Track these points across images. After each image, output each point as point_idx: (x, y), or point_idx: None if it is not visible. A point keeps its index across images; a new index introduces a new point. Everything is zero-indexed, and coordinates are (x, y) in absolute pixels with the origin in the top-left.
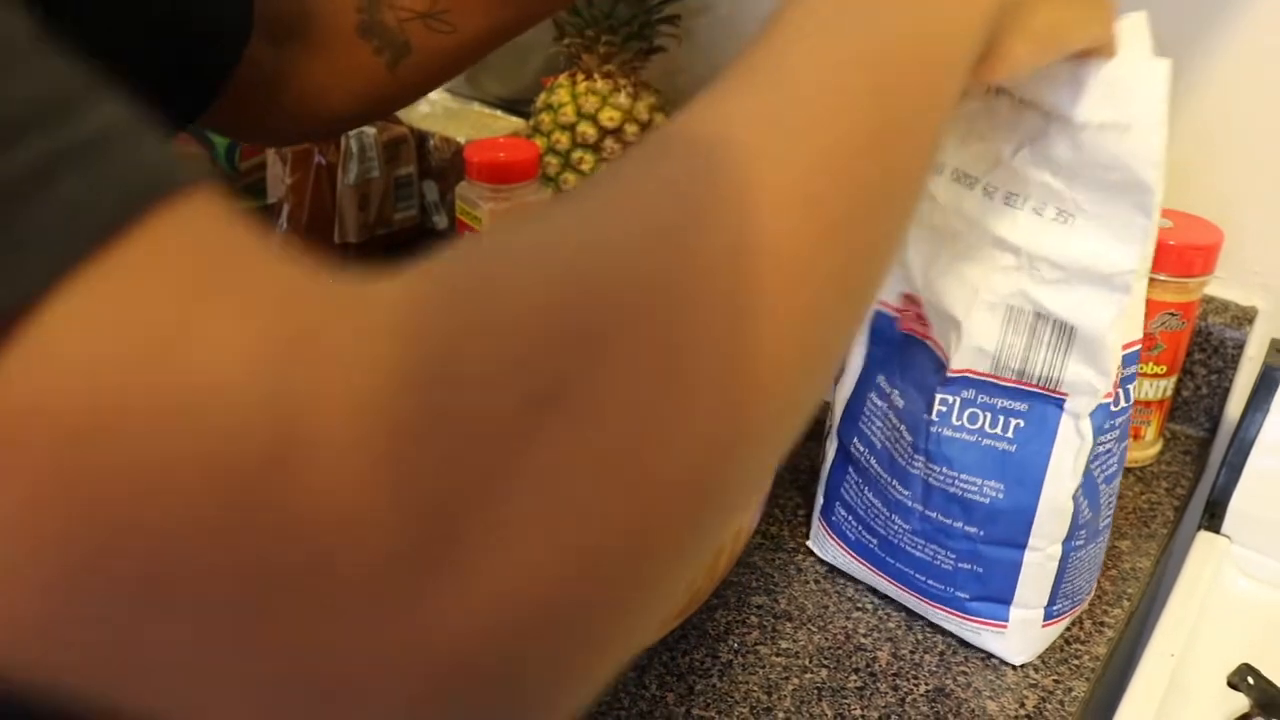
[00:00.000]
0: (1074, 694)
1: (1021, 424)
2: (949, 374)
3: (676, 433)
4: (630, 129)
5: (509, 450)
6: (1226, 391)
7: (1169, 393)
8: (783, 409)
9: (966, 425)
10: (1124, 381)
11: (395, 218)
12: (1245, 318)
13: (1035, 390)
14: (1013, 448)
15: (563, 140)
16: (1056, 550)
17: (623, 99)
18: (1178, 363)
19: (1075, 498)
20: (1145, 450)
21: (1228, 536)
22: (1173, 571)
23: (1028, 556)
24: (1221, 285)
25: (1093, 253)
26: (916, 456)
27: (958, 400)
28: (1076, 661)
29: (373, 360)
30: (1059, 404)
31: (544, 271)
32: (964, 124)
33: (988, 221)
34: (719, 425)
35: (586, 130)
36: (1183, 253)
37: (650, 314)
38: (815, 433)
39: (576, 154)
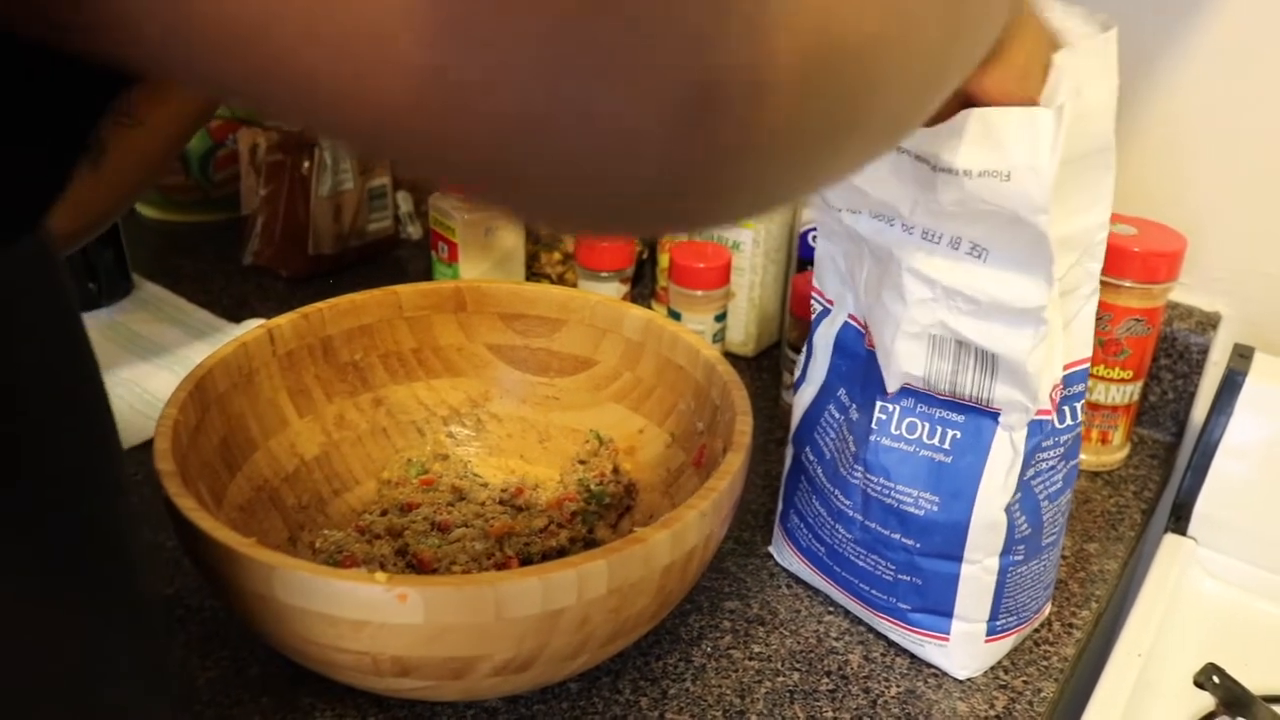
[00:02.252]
0: (1043, 695)
1: (958, 435)
2: (888, 393)
3: None
4: None
5: None
6: (1192, 396)
7: (1135, 397)
8: None
9: (905, 435)
10: (1070, 400)
11: (369, 229)
12: (1209, 323)
13: (970, 404)
14: (949, 459)
15: None
16: (994, 564)
17: None
18: (1144, 368)
19: (1010, 511)
20: (1113, 454)
21: (1193, 538)
22: (1140, 573)
23: (964, 570)
24: (1185, 291)
25: (1004, 289)
26: (856, 466)
27: (897, 409)
28: (1045, 663)
29: None
30: (994, 417)
31: None
32: (868, 178)
33: (906, 255)
34: None
35: None
36: (1147, 259)
37: None
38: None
39: None
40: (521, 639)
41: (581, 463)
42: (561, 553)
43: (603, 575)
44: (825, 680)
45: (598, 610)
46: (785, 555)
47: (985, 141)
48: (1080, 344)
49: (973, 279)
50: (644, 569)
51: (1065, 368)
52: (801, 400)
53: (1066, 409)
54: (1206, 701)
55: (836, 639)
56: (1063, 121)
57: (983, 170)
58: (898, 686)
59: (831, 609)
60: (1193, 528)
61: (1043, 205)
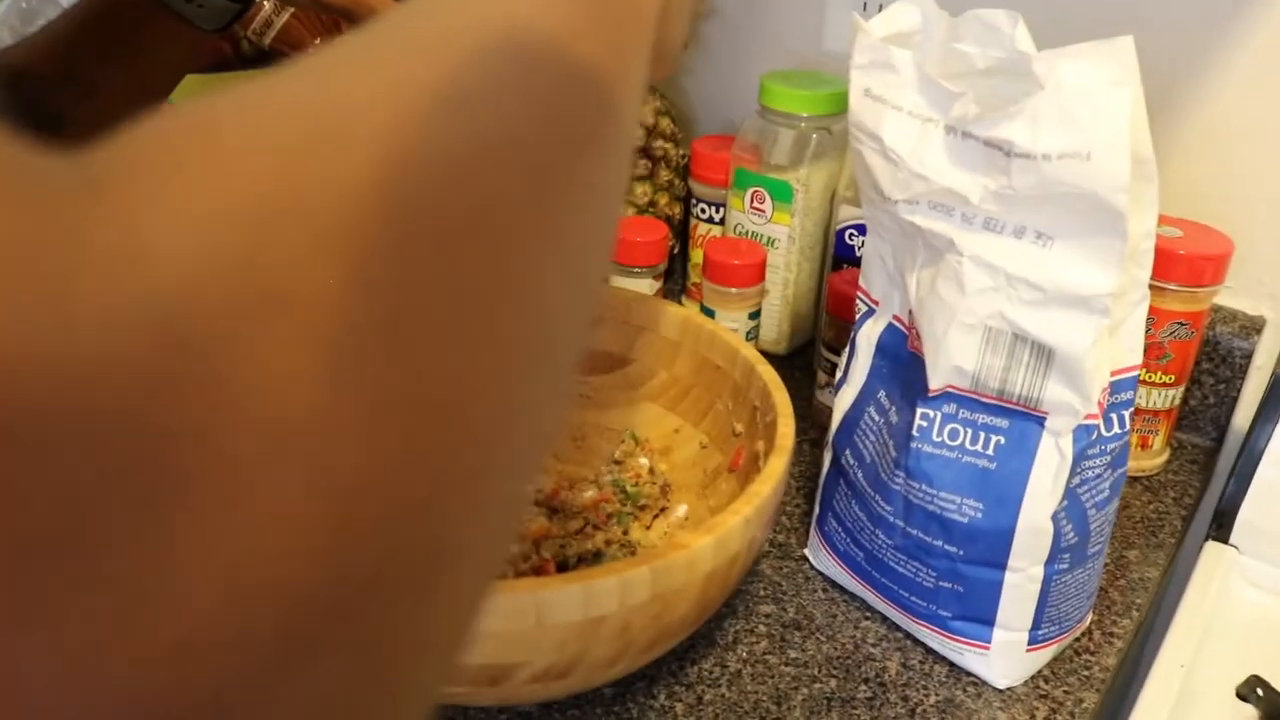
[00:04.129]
0: (1084, 705)
1: (1002, 441)
2: (930, 392)
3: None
4: (635, 133)
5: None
6: (1234, 401)
7: (1176, 402)
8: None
9: (947, 441)
10: (1117, 408)
11: None
12: (1254, 327)
13: (1016, 408)
14: (993, 465)
15: None
16: (1038, 572)
17: None
18: (1186, 372)
19: (1056, 519)
20: (1153, 460)
21: (1235, 547)
22: (1180, 582)
23: (1008, 578)
24: (1230, 295)
25: (1070, 275)
26: (897, 472)
27: (939, 415)
28: (1086, 672)
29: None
30: (1040, 421)
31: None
32: (931, 165)
33: (966, 243)
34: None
35: None
36: (1192, 262)
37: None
38: (822, 440)
39: None
40: (562, 646)
41: (616, 463)
42: (598, 555)
43: (645, 582)
44: (863, 687)
45: (639, 617)
46: (822, 559)
47: (1062, 123)
48: (1128, 351)
49: (1037, 267)
50: (687, 575)
51: (1113, 374)
52: (842, 402)
53: (1114, 416)
54: (1249, 714)
55: (874, 645)
56: (1135, 101)
57: (1063, 153)
58: (936, 695)
59: (869, 614)
60: (1235, 535)
61: (1123, 183)
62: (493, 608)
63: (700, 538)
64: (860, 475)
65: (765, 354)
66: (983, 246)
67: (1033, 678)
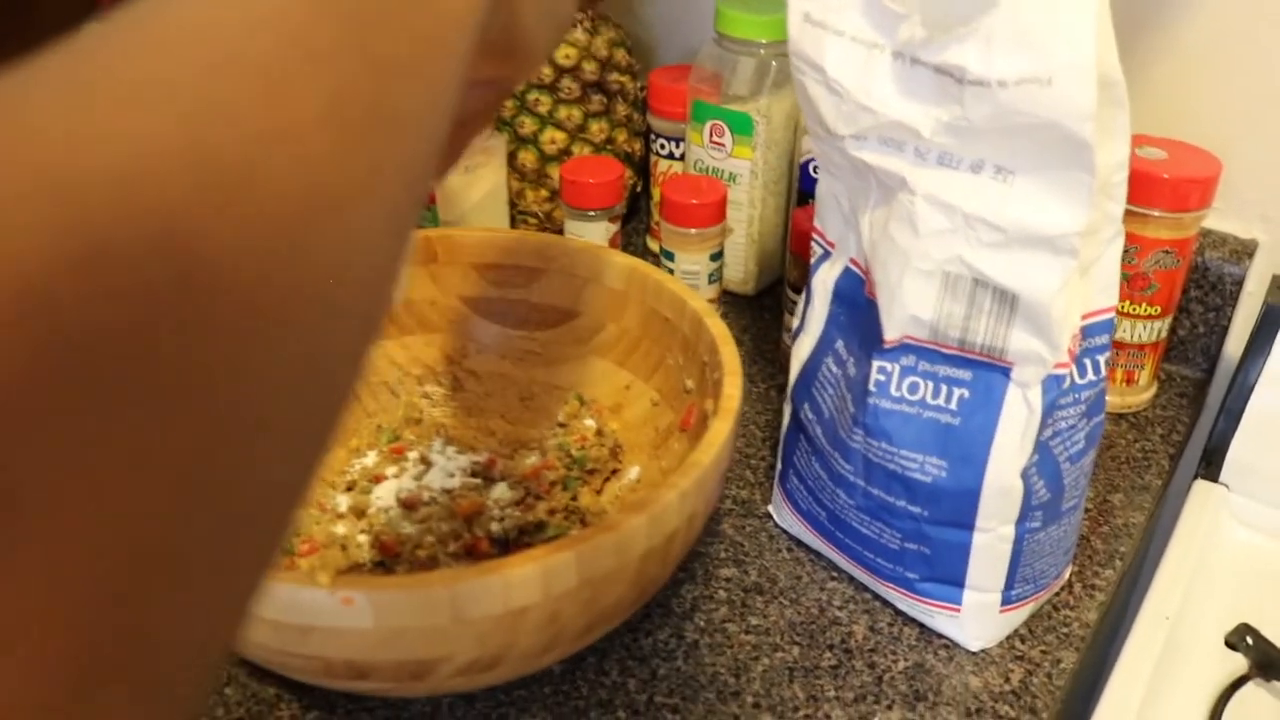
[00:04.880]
0: (1063, 665)
1: (966, 394)
2: (885, 344)
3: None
4: (589, 66)
5: None
6: (1225, 330)
7: (1163, 334)
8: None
9: (907, 396)
10: (1091, 353)
11: None
12: (1245, 251)
13: (980, 359)
14: (956, 420)
15: None
16: (1009, 531)
17: (579, 35)
18: (1173, 302)
19: (1027, 476)
20: (1139, 395)
21: (1225, 485)
22: (1167, 526)
23: (977, 539)
24: (1219, 217)
25: (1034, 213)
26: (856, 429)
27: (897, 368)
28: (1065, 629)
29: None
30: (1005, 372)
31: None
32: (878, 96)
33: (920, 181)
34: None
35: (542, 70)
36: (1178, 186)
37: None
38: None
39: (532, 95)
40: (484, 639)
41: (561, 426)
42: (540, 527)
43: (570, 569)
44: (827, 654)
45: (568, 604)
46: (785, 517)
47: (1019, 45)
48: (1101, 291)
49: (998, 204)
50: (618, 558)
51: (1084, 317)
52: (800, 352)
53: (1088, 362)
54: (1240, 664)
55: (840, 608)
56: (1105, 13)
57: (1020, 78)
58: (905, 660)
59: (835, 575)
60: (1225, 473)
61: (1089, 110)
62: (405, 602)
63: (630, 517)
64: (819, 431)
65: (733, 295)
66: (937, 184)
67: (1008, 638)
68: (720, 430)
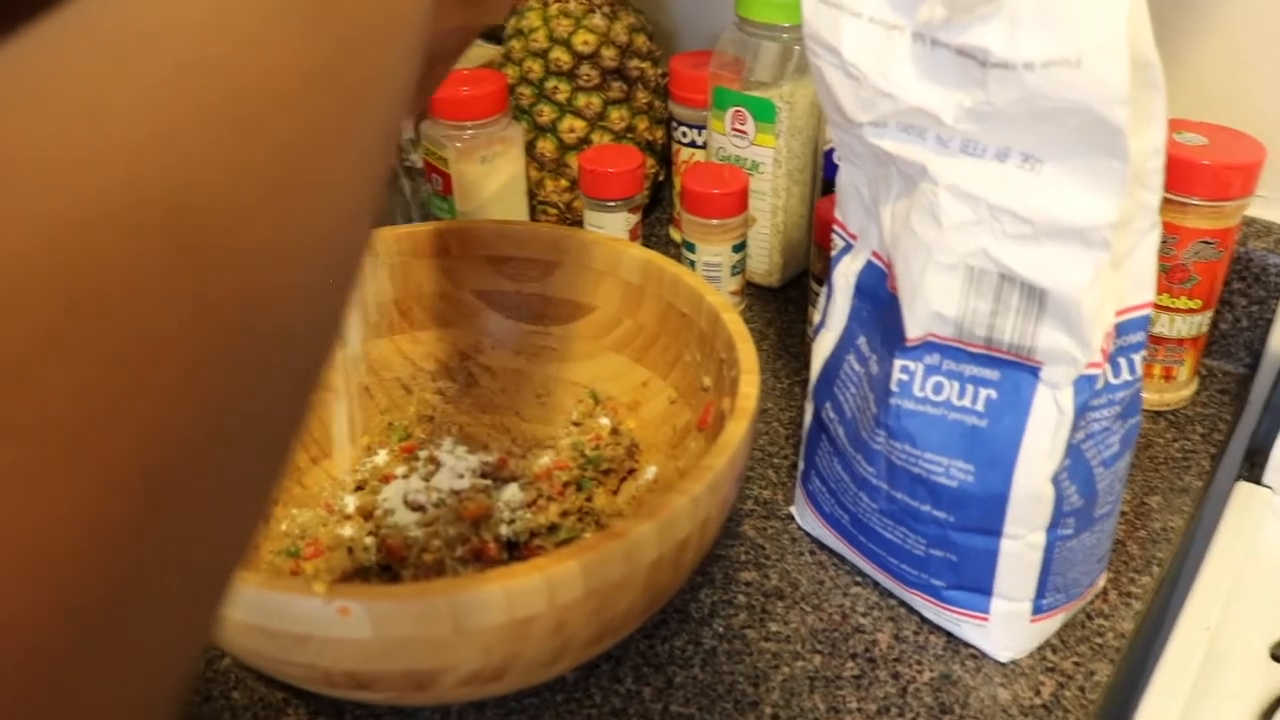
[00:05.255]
0: (1096, 678)
1: (993, 395)
2: (907, 342)
3: None
4: (608, 52)
5: None
6: (1269, 324)
7: (1204, 329)
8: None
9: (931, 397)
10: (1125, 351)
11: None
12: None
13: (1008, 358)
14: (983, 422)
15: (535, 69)
16: (1039, 539)
17: (598, 20)
18: (1214, 295)
19: (1058, 481)
20: (1178, 392)
21: (1269, 487)
22: (1208, 530)
23: (1005, 545)
24: (1263, 205)
25: (1063, 204)
26: (878, 431)
27: (920, 368)
28: (1099, 640)
29: None
30: (1035, 372)
31: None
32: (897, 80)
33: (943, 171)
34: None
35: (560, 57)
36: (1219, 173)
37: None
38: None
39: (551, 83)
40: (488, 650)
41: (575, 424)
42: (552, 529)
43: (576, 578)
44: (850, 664)
45: (575, 614)
46: (807, 519)
47: (1046, 25)
48: (1136, 286)
49: (1025, 194)
50: (626, 566)
51: (1118, 314)
52: (821, 348)
53: (1122, 361)
54: None
55: (864, 615)
56: None
57: (1048, 60)
58: (931, 671)
59: (859, 579)
60: (1269, 474)
61: (1121, 94)
62: (403, 613)
63: (639, 524)
64: (841, 432)
65: (757, 287)
66: (960, 174)
67: (1039, 649)
68: (735, 432)
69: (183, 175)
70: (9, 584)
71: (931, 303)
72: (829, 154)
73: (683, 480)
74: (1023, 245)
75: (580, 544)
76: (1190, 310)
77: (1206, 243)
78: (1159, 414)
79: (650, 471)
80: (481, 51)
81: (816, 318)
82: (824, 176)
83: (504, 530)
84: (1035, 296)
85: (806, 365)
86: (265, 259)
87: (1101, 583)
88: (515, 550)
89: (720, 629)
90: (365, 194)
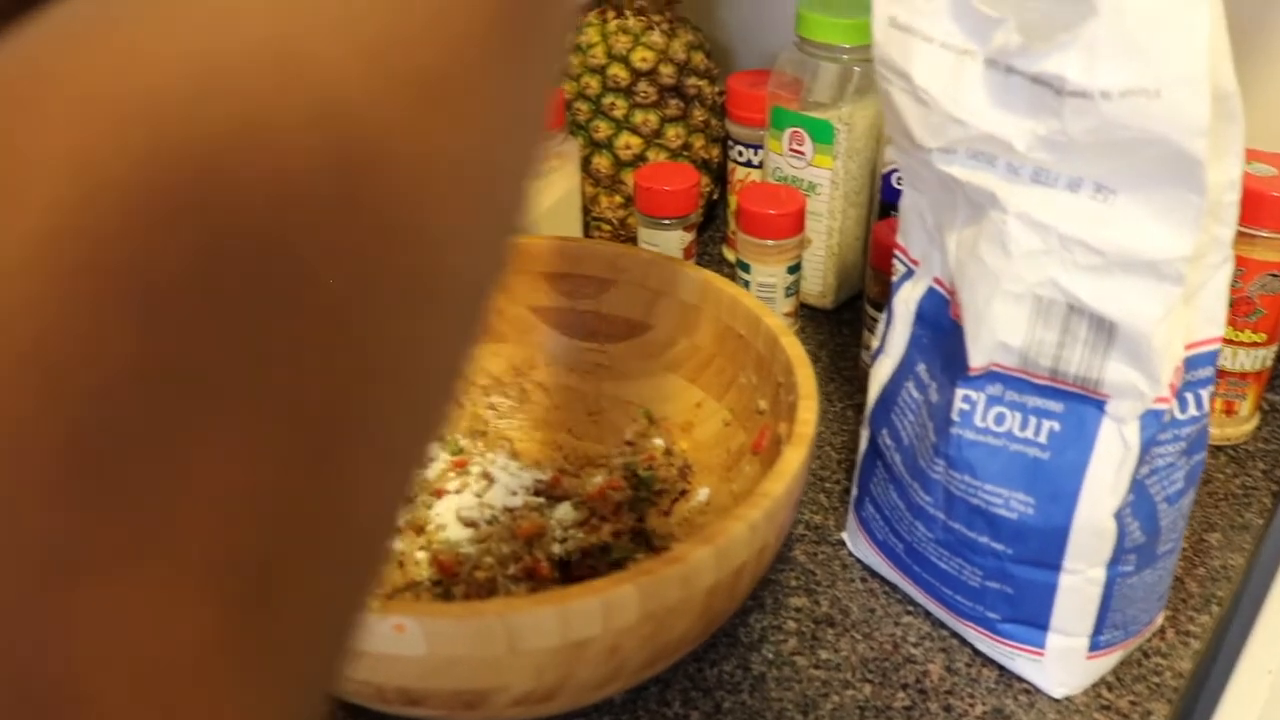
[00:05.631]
0: (1153, 717)
1: (1057, 427)
2: (970, 371)
3: None
4: (665, 70)
5: None
6: None
7: (1269, 363)
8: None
9: (993, 427)
10: (1193, 386)
11: None
12: None
13: (1073, 390)
14: (1045, 455)
15: (593, 85)
16: (1099, 575)
17: (657, 37)
18: (1279, 329)
19: (1121, 517)
20: (1240, 427)
21: None
22: (1268, 568)
23: (1064, 580)
24: None
25: (1136, 235)
26: (937, 460)
27: (983, 397)
28: (1157, 679)
29: None
30: (1100, 406)
31: None
32: (968, 107)
33: (1013, 199)
34: None
35: (618, 73)
36: None
37: None
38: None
39: (608, 99)
40: (540, 671)
41: (629, 444)
42: (605, 550)
43: (632, 602)
44: (901, 694)
45: (629, 639)
46: (860, 546)
47: (1126, 53)
48: (1206, 321)
49: (1097, 225)
50: (683, 591)
51: (1187, 348)
52: (879, 374)
53: (1190, 396)
54: None
55: (915, 645)
56: (1215, 22)
57: (1126, 89)
58: (983, 704)
59: (911, 609)
60: None
61: (1201, 125)
62: (459, 631)
63: (697, 549)
64: (898, 459)
65: (810, 309)
66: (1031, 202)
67: (1094, 686)
68: (794, 459)
69: (336, 75)
70: (202, 534)
71: (997, 332)
72: (887, 177)
73: (741, 506)
74: (1093, 276)
75: (637, 568)
76: (1254, 344)
77: (1274, 275)
78: (1219, 449)
79: (703, 493)
80: None
81: (875, 343)
82: (882, 199)
83: (556, 549)
84: (1104, 329)
85: (860, 389)
86: (426, 171)
87: (1160, 620)
88: (567, 569)
89: (769, 655)
90: (534, 123)
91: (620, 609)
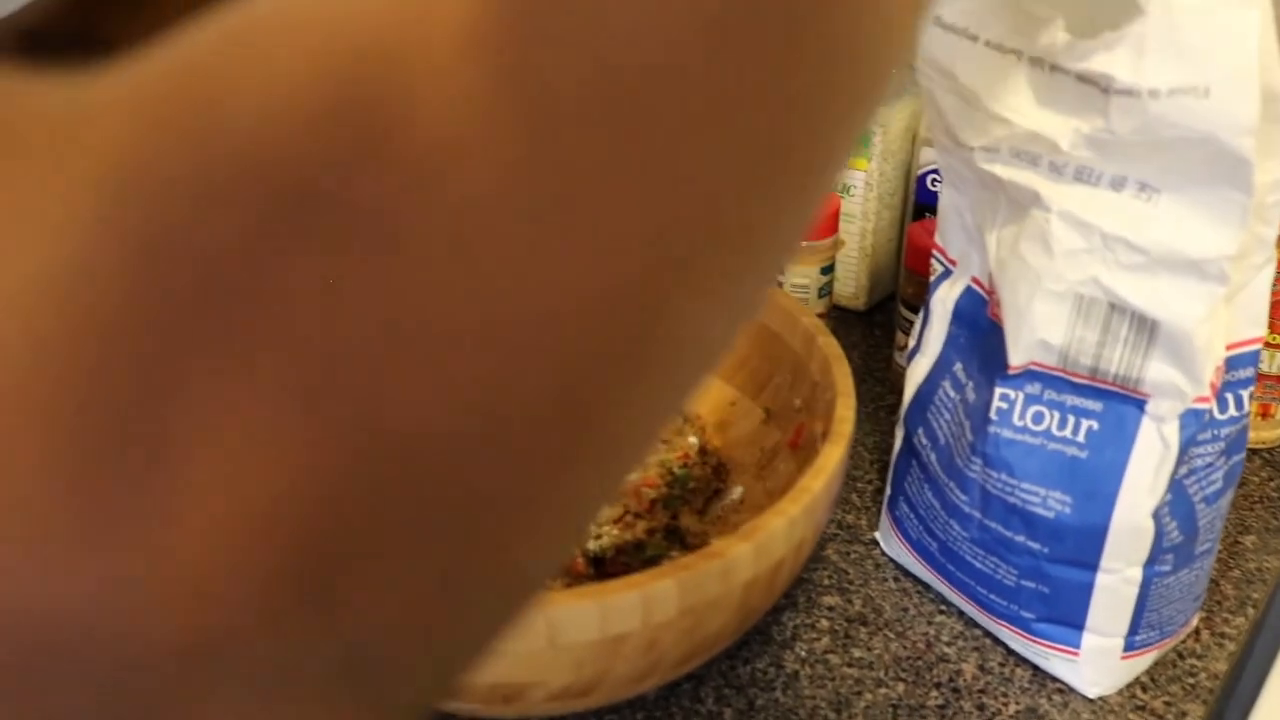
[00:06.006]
0: (1188, 718)
1: (1095, 426)
2: (1009, 369)
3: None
4: None
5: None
6: None
7: None
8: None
9: (1030, 426)
10: (1233, 387)
11: None
12: None
13: (1112, 389)
14: (1084, 454)
15: None
16: (1136, 574)
17: None
18: None
19: (1159, 516)
20: (1275, 430)
21: None
22: None
23: (1100, 579)
24: None
25: (1180, 234)
26: (974, 459)
27: (1021, 396)
28: (1191, 680)
29: None
30: (1140, 405)
31: None
32: (1012, 105)
33: (1056, 198)
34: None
35: None
36: None
37: None
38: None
39: None
40: (579, 666)
41: (663, 442)
42: (639, 547)
43: (672, 597)
44: (934, 693)
45: (668, 633)
46: (893, 545)
47: (1174, 53)
48: (1248, 321)
49: (1140, 224)
50: (721, 586)
51: (1228, 348)
52: (915, 374)
53: (1230, 396)
54: None
55: (948, 644)
56: (1265, 23)
57: (1174, 87)
58: (1017, 704)
59: (944, 608)
60: None
61: (1249, 124)
62: None
63: (737, 544)
64: (934, 458)
65: (843, 310)
66: (1074, 201)
67: (1128, 686)
68: (832, 455)
69: None
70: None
71: (1037, 330)
72: (921, 178)
73: (779, 501)
74: (1136, 275)
75: (676, 563)
76: None
77: None
78: (1254, 452)
79: (737, 492)
80: None
81: (911, 342)
82: (916, 201)
83: (591, 545)
84: (1146, 328)
85: (892, 390)
86: None
87: (1195, 622)
88: (601, 566)
89: (803, 653)
90: None
91: (660, 603)
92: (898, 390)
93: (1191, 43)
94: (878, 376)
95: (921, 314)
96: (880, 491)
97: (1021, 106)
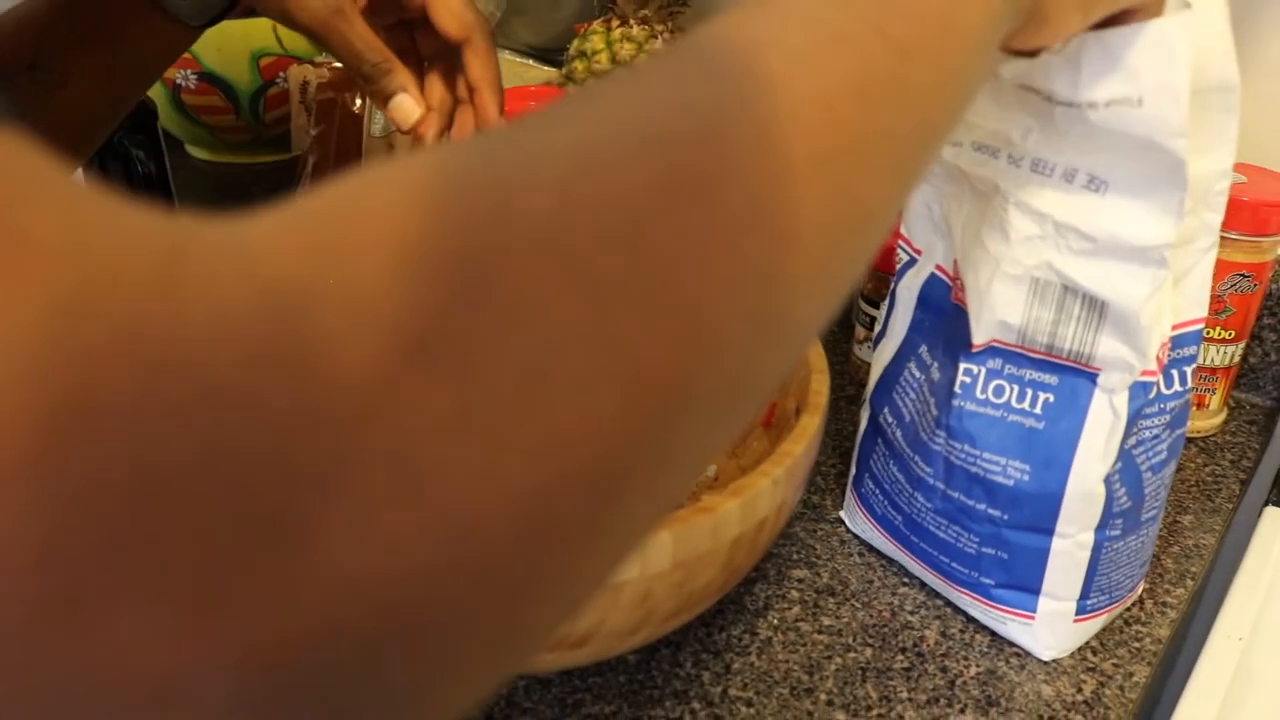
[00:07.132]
0: (1135, 679)
1: (1051, 399)
2: (973, 348)
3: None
4: None
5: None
6: None
7: (1236, 359)
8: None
9: (992, 399)
10: (1178, 364)
11: None
12: None
13: (1066, 363)
14: (1040, 424)
15: None
16: (1088, 539)
17: (660, 45)
18: (1247, 327)
19: (1109, 482)
20: (1209, 420)
21: None
22: (1237, 549)
23: (1056, 544)
24: None
25: (1125, 224)
26: (938, 432)
27: (983, 371)
28: (1137, 644)
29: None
30: (1092, 378)
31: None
32: (974, 109)
33: (1013, 188)
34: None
35: None
36: (1256, 209)
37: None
38: (860, 396)
39: None
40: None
41: None
42: None
43: (666, 548)
44: (900, 657)
45: (660, 585)
46: (858, 522)
47: (1109, 68)
48: (1193, 303)
49: (1089, 214)
50: (711, 541)
51: (1175, 328)
52: (881, 357)
53: (1175, 373)
54: None
55: (911, 613)
56: (1189, 33)
57: (1110, 99)
58: (977, 666)
59: (907, 580)
60: None
61: (1180, 128)
62: None
63: (726, 500)
64: (899, 435)
65: None
66: (1030, 191)
67: (1080, 649)
68: (810, 424)
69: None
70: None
71: (997, 311)
72: None
73: (764, 464)
74: (1086, 260)
75: (669, 516)
76: (1224, 340)
77: (1243, 275)
78: (1190, 440)
79: (711, 470)
80: (541, 73)
81: (876, 329)
82: None
83: None
84: (1096, 307)
85: (851, 382)
86: None
87: (1139, 590)
88: None
89: (775, 621)
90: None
91: (654, 554)
92: (855, 382)
93: (1123, 57)
94: (836, 369)
95: (887, 301)
96: (842, 475)
97: (981, 108)
